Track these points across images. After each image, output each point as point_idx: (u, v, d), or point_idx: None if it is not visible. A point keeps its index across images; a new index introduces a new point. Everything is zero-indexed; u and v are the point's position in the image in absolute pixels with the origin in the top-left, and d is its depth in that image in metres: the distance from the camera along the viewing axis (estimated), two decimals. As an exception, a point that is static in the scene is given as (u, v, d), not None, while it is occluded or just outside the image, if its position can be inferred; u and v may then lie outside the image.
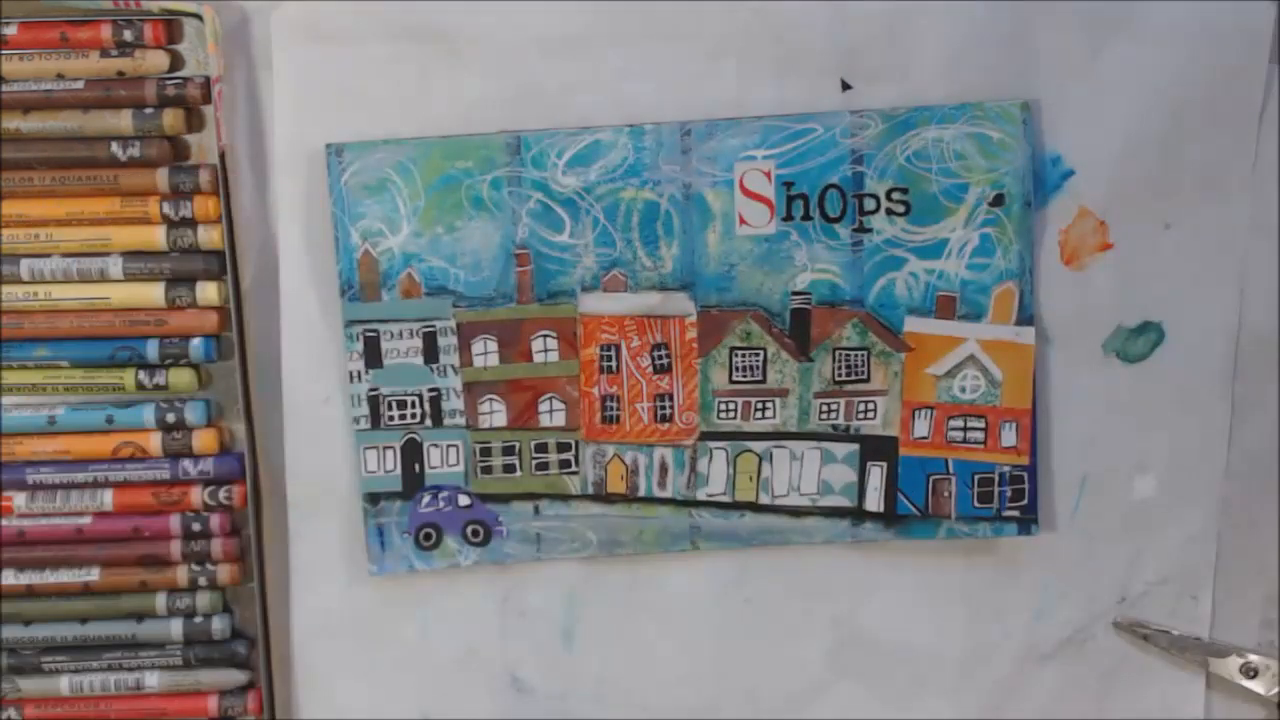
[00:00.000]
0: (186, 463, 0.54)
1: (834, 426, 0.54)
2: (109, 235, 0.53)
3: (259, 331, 0.54)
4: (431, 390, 0.54)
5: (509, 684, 0.56)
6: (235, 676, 0.56)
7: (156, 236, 0.53)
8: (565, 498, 0.55)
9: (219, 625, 0.55)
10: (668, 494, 0.54)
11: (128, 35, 0.52)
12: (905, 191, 0.52)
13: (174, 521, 0.55)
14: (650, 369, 0.54)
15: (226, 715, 0.56)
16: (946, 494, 0.54)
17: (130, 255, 0.53)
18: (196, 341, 0.54)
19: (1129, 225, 0.53)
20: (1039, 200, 0.53)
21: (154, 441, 0.54)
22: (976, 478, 0.54)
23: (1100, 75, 0.52)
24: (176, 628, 0.55)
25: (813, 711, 0.56)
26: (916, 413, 0.54)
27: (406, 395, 0.54)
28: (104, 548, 0.55)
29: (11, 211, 0.53)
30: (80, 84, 0.52)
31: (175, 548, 0.55)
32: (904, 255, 0.53)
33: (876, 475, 0.54)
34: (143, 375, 0.54)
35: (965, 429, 0.54)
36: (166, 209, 0.53)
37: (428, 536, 0.55)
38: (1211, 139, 0.53)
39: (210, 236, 0.53)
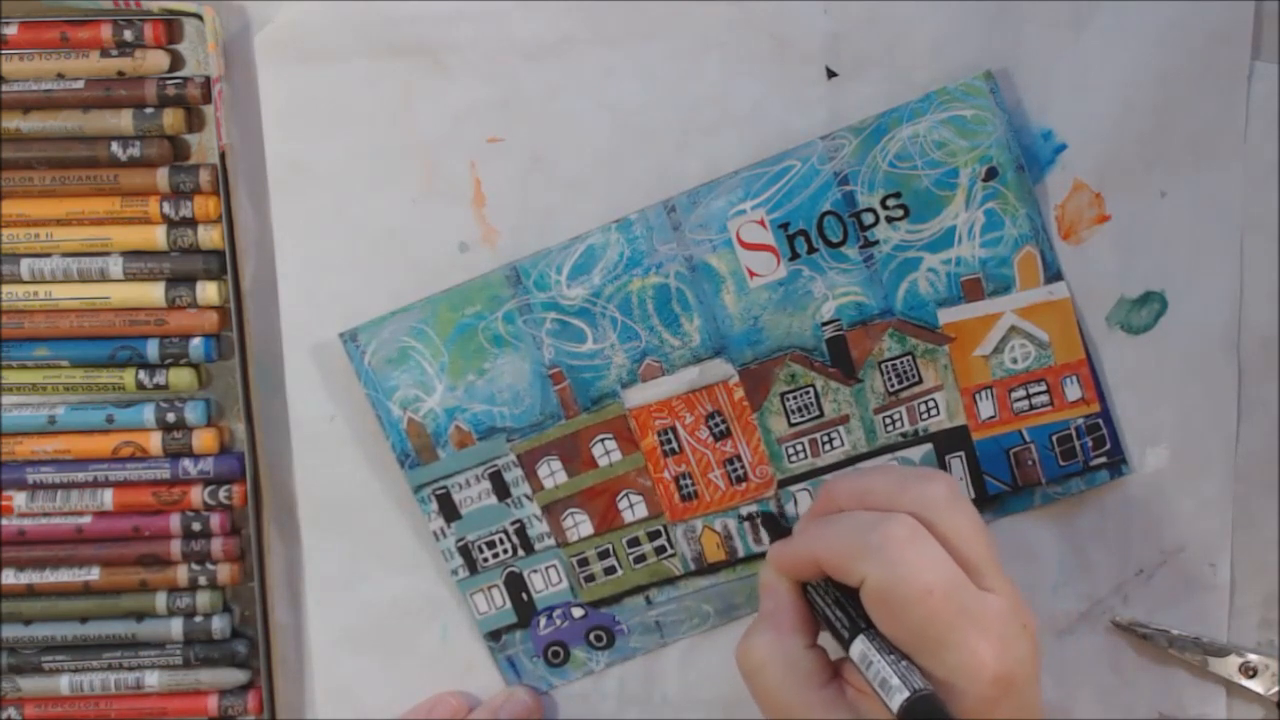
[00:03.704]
0: (186, 462, 0.55)
1: (903, 435, 0.54)
2: (109, 235, 0.53)
3: (259, 331, 0.55)
4: (514, 523, 0.55)
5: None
6: (235, 676, 0.56)
7: (156, 236, 0.53)
8: (672, 580, 0.56)
9: (219, 625, 0.56)
10: (766, 547, 0.55)
11: (128, 35, 0.52)
12: (898, 195, 0.52)
13: (174, 521, 0.55)
14: (710, 438, 0.54)
15: (226, 715, 0.56)
16: (1030, 463, 0.54)
17: (130, 255, 0.53)
18: (196, 341, 0.54)
19: (1125, 196, 0.53)
20: (1034, 175, 0.52)
21: (154, 441, 0.55)
22: (1054, 438, 0.54)
23: (1087, 47, 0.51)
24: (176, 627, 0.56)
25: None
26: (977, 396, 0.54)
27: (492, 535, 0.55)
28: (104, 547, 0.55)
29: (11, 211, 0.53)
30: (80, 84, 0.52)
31: (175, 547, 0.55)
32: (917, 255, 0.53)
33: (958, 466, 0.55)
34: (143, 375, 0.54)
35: (1029, 396, 0.54)
36: (166, 209, 0.53)
37: (555, 654, 0.56)
38: (1201, 103, 0.52)
39: (210, 236, 0.53)
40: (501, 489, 0.55)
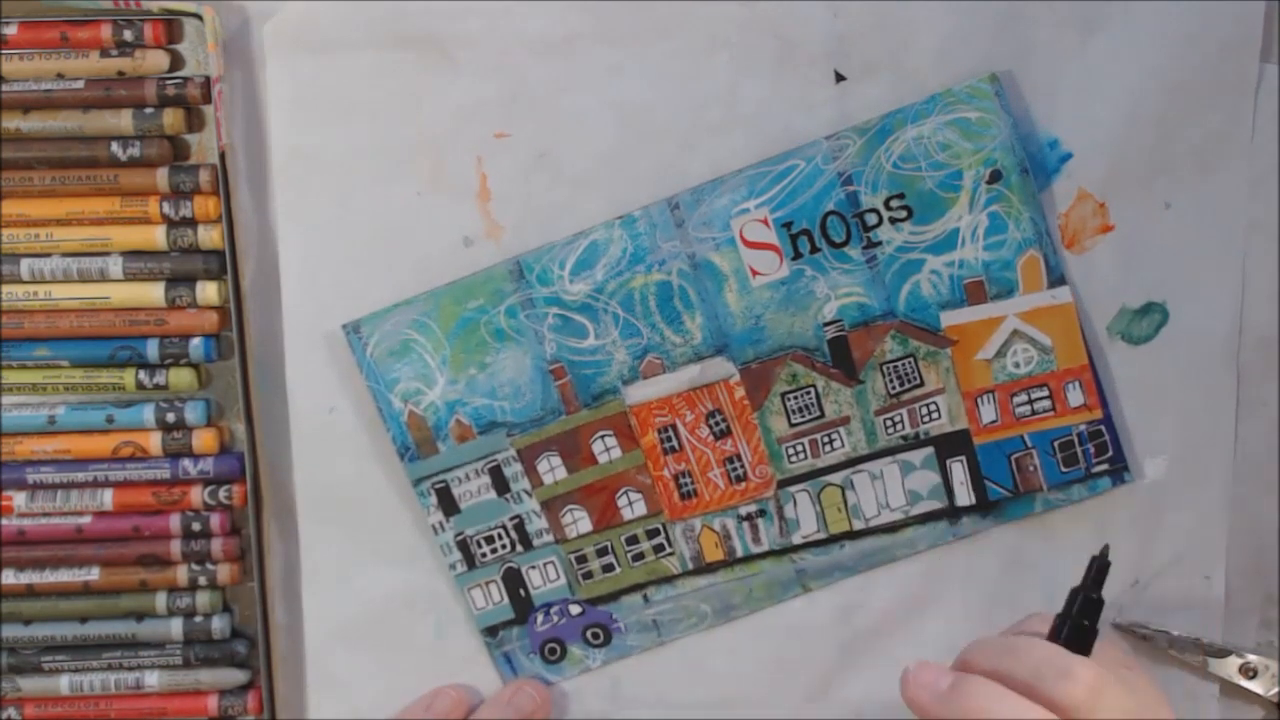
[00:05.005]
0: (186, 462, 0.55)
1: (904, 437, 0.54)
2: (109, 235, 0.53)
3: (259, 331, 0.55)
4: (513, 518, 0.55)
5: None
6: (235, 676, 0.56)
7: (156, 236, 0.53)
8: (670, 579, 0.55)
9: (219, 625, 0.56)
10: (764, 548, 0.55)
11: (128, 35, 0.52)
12: (902, 196, 0.52)
13: (174, 521, 0.55)
14: (711, 437, 0.54)
15: (226, 715, 0.56)
16: (1032, 468, 0.54)
17: (130, 255, 0.54)
18: (196, 341, 0.54)
19: (1129, 206, 0.53)
20: (1039, 184, 0.52)
21: (154, 441, 0.55)
22: (1056, 444, 0.54)
23: (1094, 56, 0.52)
24: (176, 627, 0.56)
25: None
26: (979, 400, 0.54)
27: (491, 530, 0.55)
28: (104, 547, 0.55)
29: (11, 211, 0.53)
30: (80, 84, 0.52)
31: (175, 547, 0.55)
32: (919, 257, 0.53)
33: (959, 470, 0.54)
34: (143, 375, 0.54)
35: (1031, 401, 0.54)
36: (166, 209, 0.53)
37: (552, 651, 0.56)
38: (1207, 115, 0.52)
39: (210, 236, 0.53)
40: (501, 484, 0.55)
